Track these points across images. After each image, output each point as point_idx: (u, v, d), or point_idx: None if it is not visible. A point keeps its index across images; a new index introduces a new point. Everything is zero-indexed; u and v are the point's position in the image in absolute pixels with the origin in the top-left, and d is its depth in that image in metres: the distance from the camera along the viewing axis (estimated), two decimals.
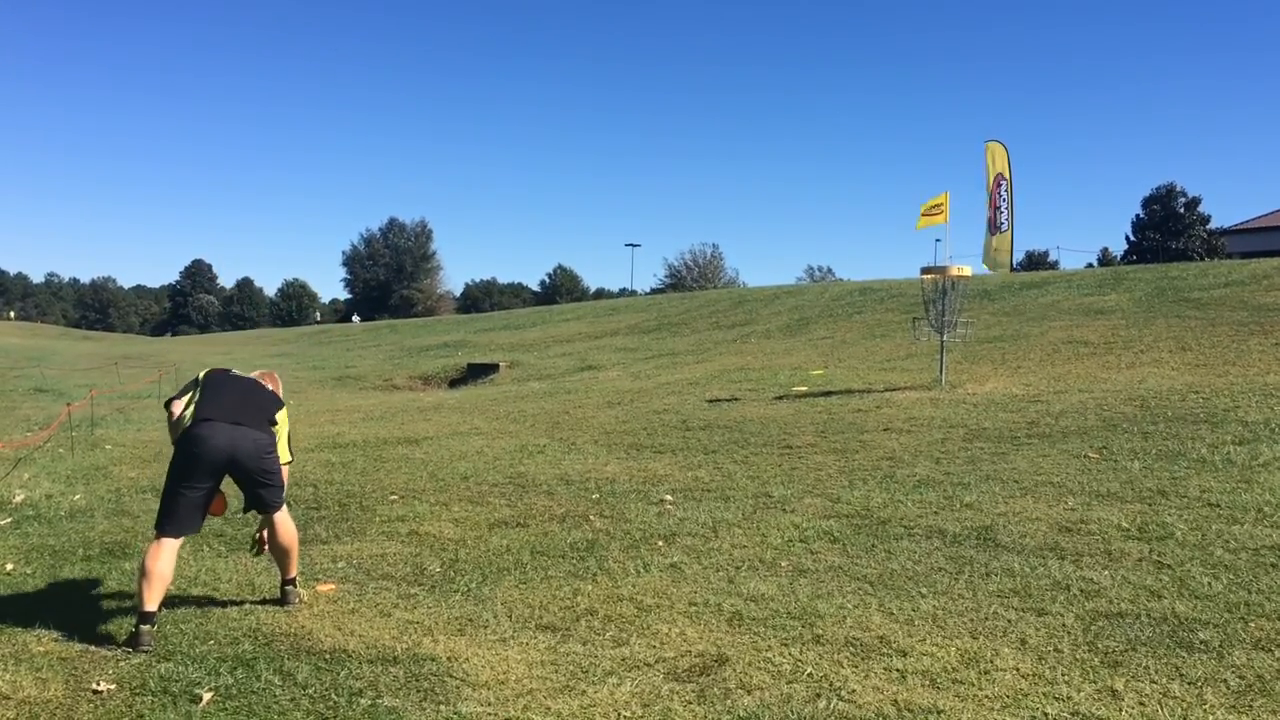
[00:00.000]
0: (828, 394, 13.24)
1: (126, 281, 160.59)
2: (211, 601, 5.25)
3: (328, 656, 4.37)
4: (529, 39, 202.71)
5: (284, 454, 5.28)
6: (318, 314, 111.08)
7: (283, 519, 5.20)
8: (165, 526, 4.84)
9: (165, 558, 4.74)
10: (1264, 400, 9.87)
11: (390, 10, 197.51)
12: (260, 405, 5.16)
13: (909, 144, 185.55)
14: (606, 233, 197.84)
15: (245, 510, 5.29)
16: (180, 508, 4.86)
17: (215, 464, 4.87)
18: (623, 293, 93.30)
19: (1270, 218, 47.58)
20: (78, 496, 8.41)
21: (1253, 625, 4.39)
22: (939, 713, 3.65)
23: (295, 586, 5.28)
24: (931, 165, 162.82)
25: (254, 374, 5.48)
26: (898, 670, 4.06)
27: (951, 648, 4.28)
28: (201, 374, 5.26)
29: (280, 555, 5.25)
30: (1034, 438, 8.99)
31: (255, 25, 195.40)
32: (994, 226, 23.73)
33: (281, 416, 5.29)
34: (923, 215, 14.11)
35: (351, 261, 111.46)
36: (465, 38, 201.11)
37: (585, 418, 12.71)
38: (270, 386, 5.43)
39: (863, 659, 4.19)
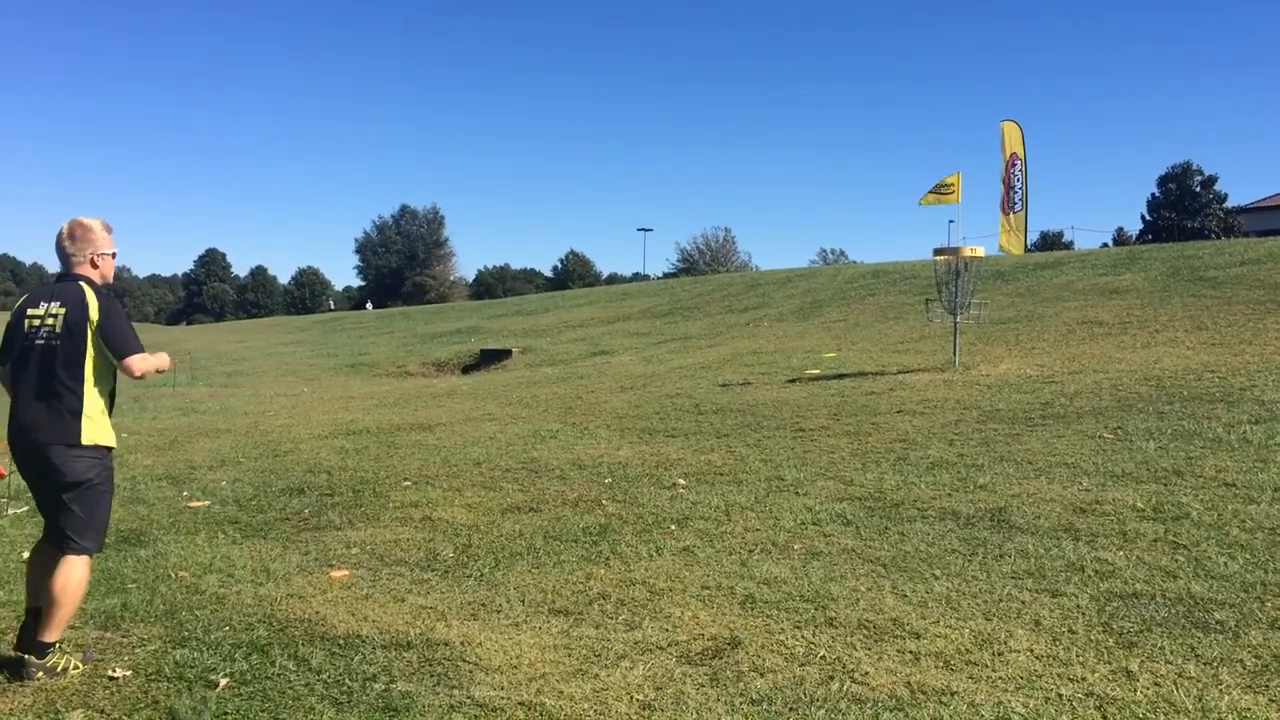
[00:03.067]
0: (840, 377, 13.20)
1: (141, 271, 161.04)
2: (226, 588, 5.27)
3: (342, 642, 4.38)
4: (539, 26, 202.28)
5: (110, 358, 4.10)
6: (331, 302, 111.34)
7: (74, 564, 4.08)
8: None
9: (37, 564, 4.23)
10: None
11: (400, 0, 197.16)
12: (59, 391, 4.06)
13: (922, 126, 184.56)
14: (619, 218, 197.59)
15: (51, 541, 4.20)
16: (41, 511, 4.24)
17: (27, 467, 4.15)
18: (635, 277, 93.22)
19: None
20: None
21: (1269, 605, 4.36)
22: (952, 694, 3.64)
23: (47, 656, 4.05)
24: (945, 147, 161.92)
25: (74, 263, 4.21)
26: (911, 652, 4.05)
27: (965, 629, 4.26)
28: (10, 318, 4.23)
29: (45, 602, 4.07)
30: (1048, 419, 8.95)
31: (267, 15, 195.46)
32: (1008, 207, 23.59)
33: (93, 335, 4.06)
34: (931, 193, 14.02)
35: (364, 249, 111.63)
36: (475, 25, 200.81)
37: (598, 402, 12.72)
38: (87, 276, 4.20)
39: (876, 641, 4.18)
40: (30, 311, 4.14)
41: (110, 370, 4.21)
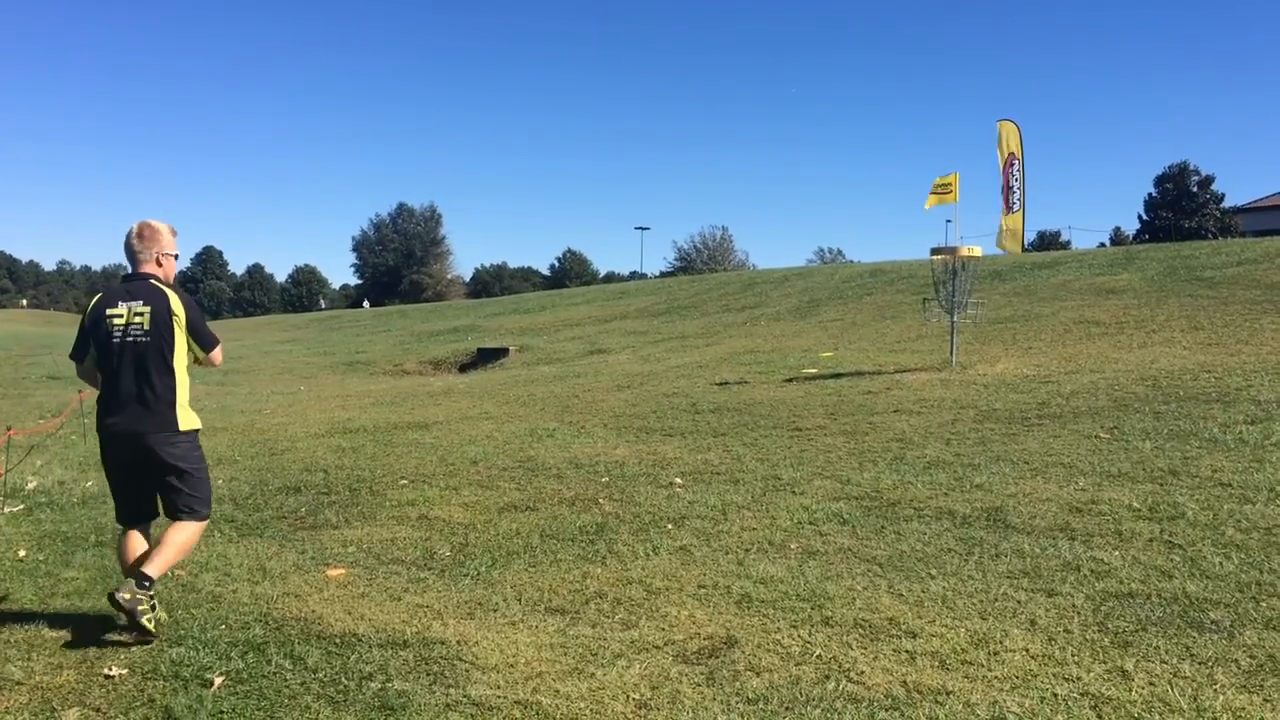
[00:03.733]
0: (837, 376, 13.21)
1: None
2: (222, 587, 5.27)
3: (338, 641, 4.38)
4: (536, 24, 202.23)
5: (196, 352, 4.55)
6: (321, 300, 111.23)
7: (190, 526, 4.54)
8: (119, 516, 4.69)
9: (134, 545, 4.61)
10: (1277, 379, 9.80)
11: None
12: (152, 384, 4.42)
13: (920, 125, 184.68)
14: (616, 216, 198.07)
15: (165, 514, 4.65)
16: (120, 498, 4.62)
17: (126, 457, 4.51)
18: (632, 276, 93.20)
19: None
20: (90, 483, 8.44)
21: (1264, 605, 4.37)
22: (948, 694, 3.64)
23: (144, 588, 4.33)
24: (943, 146, 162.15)
25: (141, 260, 4.55)
26: (907, 652, 4.05)
27: (961, 629, 4.27)
28: (86, 319, 4.52)
29: (156, 544, 4.53)
30: (1045, 418, 8.95)
31: (264, 12, 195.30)
32: (1006, 207, 23.61)
33: (181, 333, 4.47)
34: (932, 194, 14.05)
35: (361, 247, 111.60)
36: (472, 23, 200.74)
37: (595, 401, 12.71)
38: (155, 275, 4.55)
39: (872, 640, 4.19)
40: (110, 312, 4.45)
41: (193, 360, 4.64)
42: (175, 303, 4.49)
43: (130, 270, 4.62)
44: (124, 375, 4.41)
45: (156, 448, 4.42)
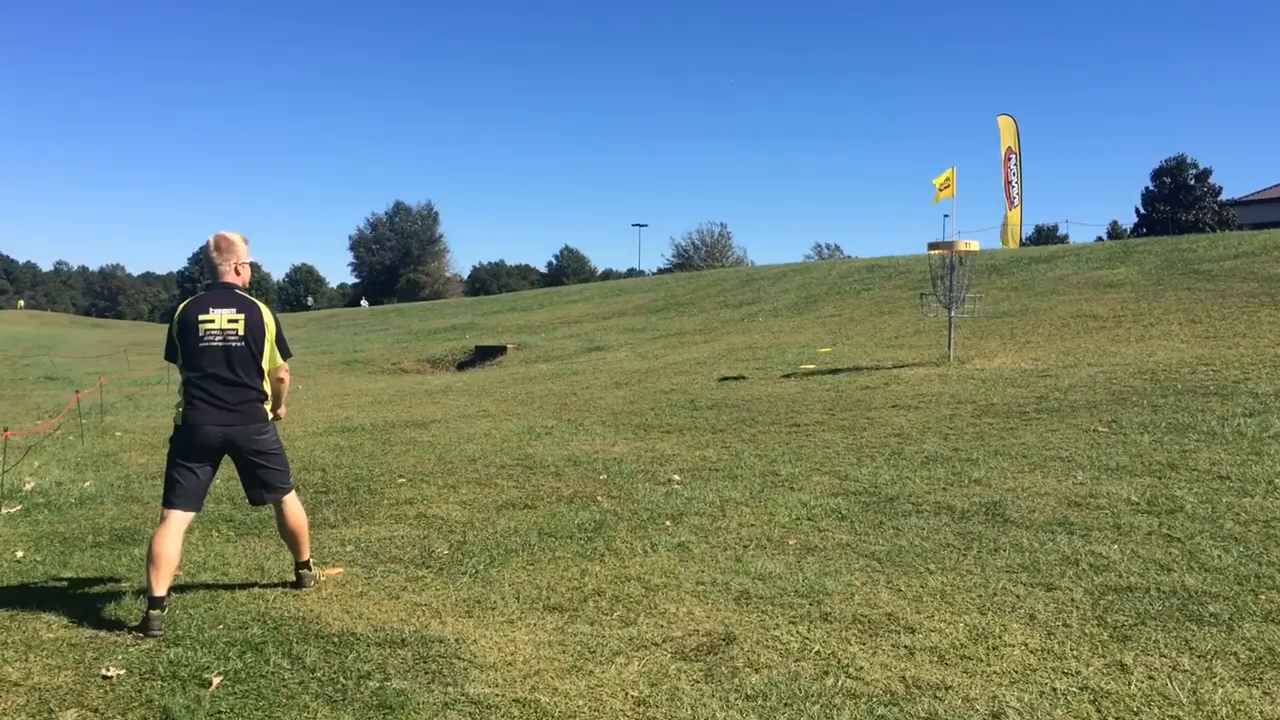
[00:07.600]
0: (835, 371, 13.21)
1: (135, 269, 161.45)
2: (220, 586, 5.26)
3: (336, 640, 4.37)
4: (533, 21, 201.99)
5: (275, 360, 4.96)
6: (310, 299, 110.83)
7: (289, 503, 5.11)
8: (173, 501, 4.82)
9: (172, 538, 4.72)
10: (1274, 371, 9.81)
11: None
12: (247, 383, 4.81)
13: (917, 119, 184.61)
14: (613, 213, 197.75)
15: (252, 502, 5.14)
16: (185, 484, 4.82)
17: (211, 449, 4.82)
18: (630, 273, 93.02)
19: None
20: (87, 483, 8.43)
21: (1263, 598, 4.37)
22: (947, 689, 3.64)
23: (309, 569, 5.25)
24: (939, 139, 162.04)
25: (222, 271, 4.89)
26: (906, 647, 4.05)
27: (960, 624, 4.26)
28: (174, 327, 4.82)
29: (289, 539, 5.18)
30: (1043, 412, 8.95)
31: (260, 10, 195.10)
32: (1009, 201, 23.68)
33: (269, 342, 4.89)
34: (938, 190, 14.08)
35: (358, 245, 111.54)
36: (469, 20, 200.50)
37: (593, 398, 12.71)
38: (236, 284, 4.92)
39: (871, 636, 4.18)
40: (202, 317, 4.80)
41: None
42: (267, 316, 4.93)
43: (211, 280, 4.95)
44: (218, 373, 4.76)
45: (251, 437, 4.86)
